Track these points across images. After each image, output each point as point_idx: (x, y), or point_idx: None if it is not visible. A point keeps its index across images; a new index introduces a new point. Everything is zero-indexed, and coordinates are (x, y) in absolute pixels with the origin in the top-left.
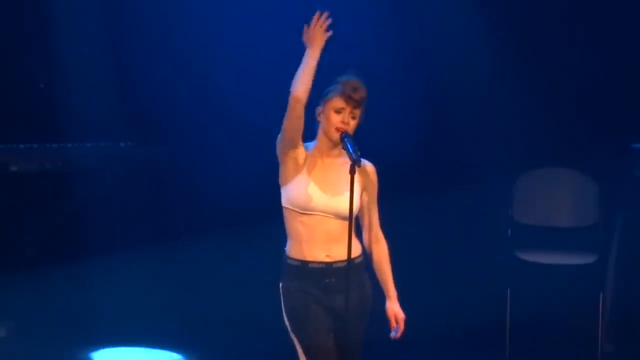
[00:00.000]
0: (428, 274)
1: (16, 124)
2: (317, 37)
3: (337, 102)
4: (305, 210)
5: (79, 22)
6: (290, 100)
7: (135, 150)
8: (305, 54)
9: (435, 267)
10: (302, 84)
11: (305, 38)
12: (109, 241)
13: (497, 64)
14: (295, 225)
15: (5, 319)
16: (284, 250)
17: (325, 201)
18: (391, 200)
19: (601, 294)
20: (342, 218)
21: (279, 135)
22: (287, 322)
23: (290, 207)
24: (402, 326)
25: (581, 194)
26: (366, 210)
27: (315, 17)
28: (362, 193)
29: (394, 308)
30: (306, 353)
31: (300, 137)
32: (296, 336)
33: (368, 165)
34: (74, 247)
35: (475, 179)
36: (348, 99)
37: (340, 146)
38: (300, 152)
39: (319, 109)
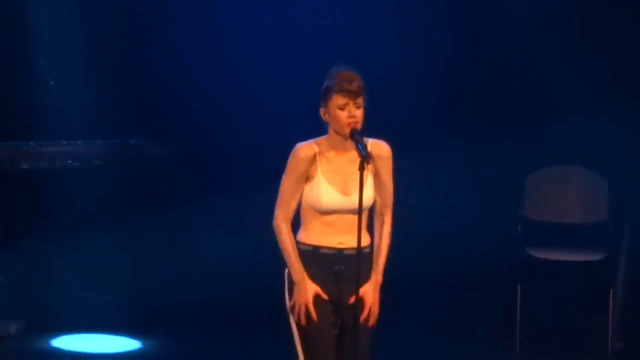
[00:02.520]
0: (439, 270)
1: (26, 121)
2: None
3: (338, 100)
4: (323, 212)
5: (90, 21)
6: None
7: (144, 148)
8: (295, 276)
9: (447, 263)
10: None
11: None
12: (118, 237)
13: (505, 61)
14: (312, 219)
15: (15, 317)
16: (295, 238)
17: (342, 201)
18: (404, 195)
19: (611, 290)
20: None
21: None
22: (288, 307)
23: (308, 207)
24: (365, 312)
25: (591, 191)
26: (379, 192)
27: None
28: (374, 178)
29: (368, 289)
30: (303, 340)
31: (302, 186)
32: (295, 322)
33: (382, 146)
34: (83, 243)
35: (487, 176)
36: (347, 92)
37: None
38: (309, 166)
39: (322, 111)
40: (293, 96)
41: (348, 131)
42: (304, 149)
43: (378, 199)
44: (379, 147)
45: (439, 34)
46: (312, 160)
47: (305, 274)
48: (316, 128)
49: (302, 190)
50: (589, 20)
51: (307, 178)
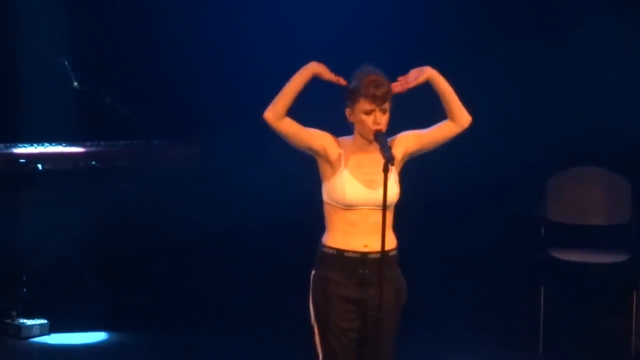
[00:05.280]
0: (462, 273)
1: (49, 123)
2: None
3: (365, 105)
4: (348, 206)
5: (110, 22)
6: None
7: (168, 148)
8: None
9: (470, 265)
10: (275, 106)
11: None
12: (141, 240)
13: (528, 62)
14: (336, 219)
15: (39, 317)
16: (320, 240)
17: (368, 194)
18: (427, 196)
19: (634, 292)
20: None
21: None
22: (311, 309)
23: (333, 203)
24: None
25: (614, 193)
26: (427, 138)
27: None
28: (411, 148)
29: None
30: (323, 342)
31: (313, 140)
32: (317, 324)
33: (397, 136)
34: (107, 246)
35: (510, 178)
36: (374, 99)
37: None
38: (331, 150)
39: (348, 111)
40: (313, 96)
41: (372, 136)
42: (332, 136)
43: (431, 132)
44: (397, 140)
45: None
46: (335, 146)
47: None
48: (338, 126)
49: (301, 133)
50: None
51: (330, 164)
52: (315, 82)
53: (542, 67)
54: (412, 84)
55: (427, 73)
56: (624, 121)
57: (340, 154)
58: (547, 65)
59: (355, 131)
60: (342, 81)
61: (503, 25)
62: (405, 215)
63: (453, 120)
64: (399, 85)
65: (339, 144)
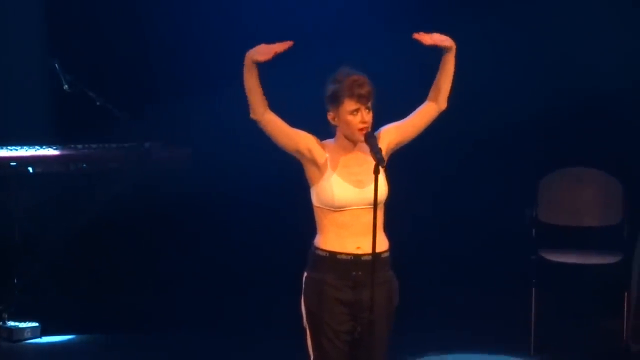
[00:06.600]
0: (453, 274)
1: (39, 125)
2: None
3: (350, 105)
4: (338, 208)
5: (101, 23)
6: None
7: (159, 151)
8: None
9: (462, 267)
10: (250, 104)
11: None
12: (131, 242)
13: (523, 63)
14: (327, 222)
15: (30, 320)
16: (312, 242)
17: (357, 194)
18: (419, 197)
19: (626, 293)
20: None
21: None
22: (303, 311)
23: (323, 206)
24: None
25: (606, 194)
26: (407, 128)
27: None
28: (393, 142)
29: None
30: (316, 345)
31: (299, 139)
32: (309, 326)
33: (381, 130)
34: (98, 248)
35: (500, 179)
36: (359, 98)
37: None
38: (317, 152)
39: (331, 115)
40: (305, 97)
41: (360, 136)
42: (317, 139)
43: (413, 119)
44: (380, 136)
45: None
46: (320, 149)
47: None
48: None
49: (285, 131)
50: None
51: (317, 167)
52: (302, 82)
53: (538, 67)
54: (436, 41)
55: (452, 43)
56: (615, 122)
57: (326, 158)
58: (543, 65)
59: (339, 133)
60: (282, 47)
61: (498, 23)
62: (396, 217)
63: (436, 100)
64: (421, 36)
65: (323, 147)
